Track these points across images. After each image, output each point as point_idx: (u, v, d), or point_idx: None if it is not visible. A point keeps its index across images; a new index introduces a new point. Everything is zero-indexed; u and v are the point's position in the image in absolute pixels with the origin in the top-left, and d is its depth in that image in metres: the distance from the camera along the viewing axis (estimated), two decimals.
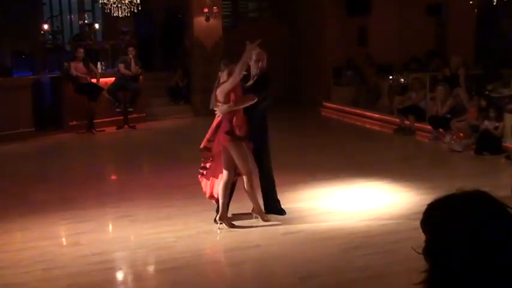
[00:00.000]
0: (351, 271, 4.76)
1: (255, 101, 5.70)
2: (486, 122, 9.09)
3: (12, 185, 7.95)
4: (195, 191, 7.06)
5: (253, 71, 5.94)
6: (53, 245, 5.54)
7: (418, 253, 1.49)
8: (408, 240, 4.57)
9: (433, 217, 1.49)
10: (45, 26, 15.19)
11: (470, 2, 12.23)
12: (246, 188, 5.81)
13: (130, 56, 12.35)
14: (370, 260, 4.93)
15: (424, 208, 1.52)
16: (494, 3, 10.62)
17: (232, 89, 5.58)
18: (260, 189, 6.16)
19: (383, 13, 13.88)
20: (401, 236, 5.30)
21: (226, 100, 5.60)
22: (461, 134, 9.37)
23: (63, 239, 5.94)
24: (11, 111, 10.93)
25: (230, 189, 5.87)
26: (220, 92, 5.62)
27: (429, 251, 1.47)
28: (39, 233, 5.84)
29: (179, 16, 14.91)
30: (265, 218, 5.95)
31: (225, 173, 5.77)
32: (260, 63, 5.90)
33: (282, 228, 5.78)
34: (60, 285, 4.65)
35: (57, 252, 5.37)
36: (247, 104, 5.70)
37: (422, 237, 1.49)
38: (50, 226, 6.10)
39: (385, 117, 11.98)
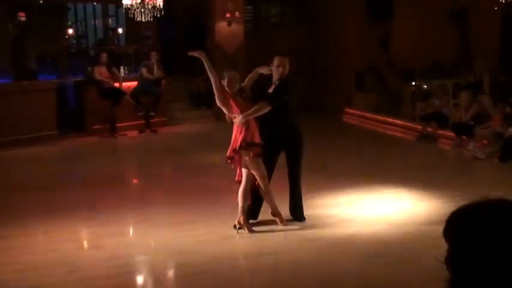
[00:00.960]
0: (371, 279, 4.71)
1: (268, 109, 5.71)
2: (511, 130, 8.96)
3: (35, 187, 8.05)
4: (216, 196, 7.10)
5: (275, 76, 5.93)
6: (75, 248, 5.59)
7: (440, 262, 1.47)
8: (430, 249, 4.50)
9: (456, 226, 1.46)
10: (70, 31, 15.42)
11: (495, 8, 12.09)
12: (262, 192, 5.83)
13: (153, 60, 12.47)
14: (391, 268, 4.88)
15: (446, 216, 1.49)
16: None
17: (227, 96, 5.71)
18: (290, 196, 6.15)
19: (405, 18, 13.78)
20: (423, 244, 5.24)
21: (227, 107, 5.79)
22: (485, 142, 9.24)
23: (85, 242, 6.00)
24: (35, 114, 11.09)
25: (256, 195, 5.88)
26: (217, 99, 5.82)
27: (452, 260, 1.44)
28: (61, 236, 5.90)
29: (201, 21, 14.99)
30: (283, 221, 5.97)
31: (243, 178, 5.81)
32: (280, 69, 5.87)
33: (301, 235, 5.76)
34: None
35: (79, 255, 5.43)
36: (262, 112, 5.72)
37: (444, 246, 1.47)
38: (72, 229, 6.16)
39: (408, 124, 11.87)
